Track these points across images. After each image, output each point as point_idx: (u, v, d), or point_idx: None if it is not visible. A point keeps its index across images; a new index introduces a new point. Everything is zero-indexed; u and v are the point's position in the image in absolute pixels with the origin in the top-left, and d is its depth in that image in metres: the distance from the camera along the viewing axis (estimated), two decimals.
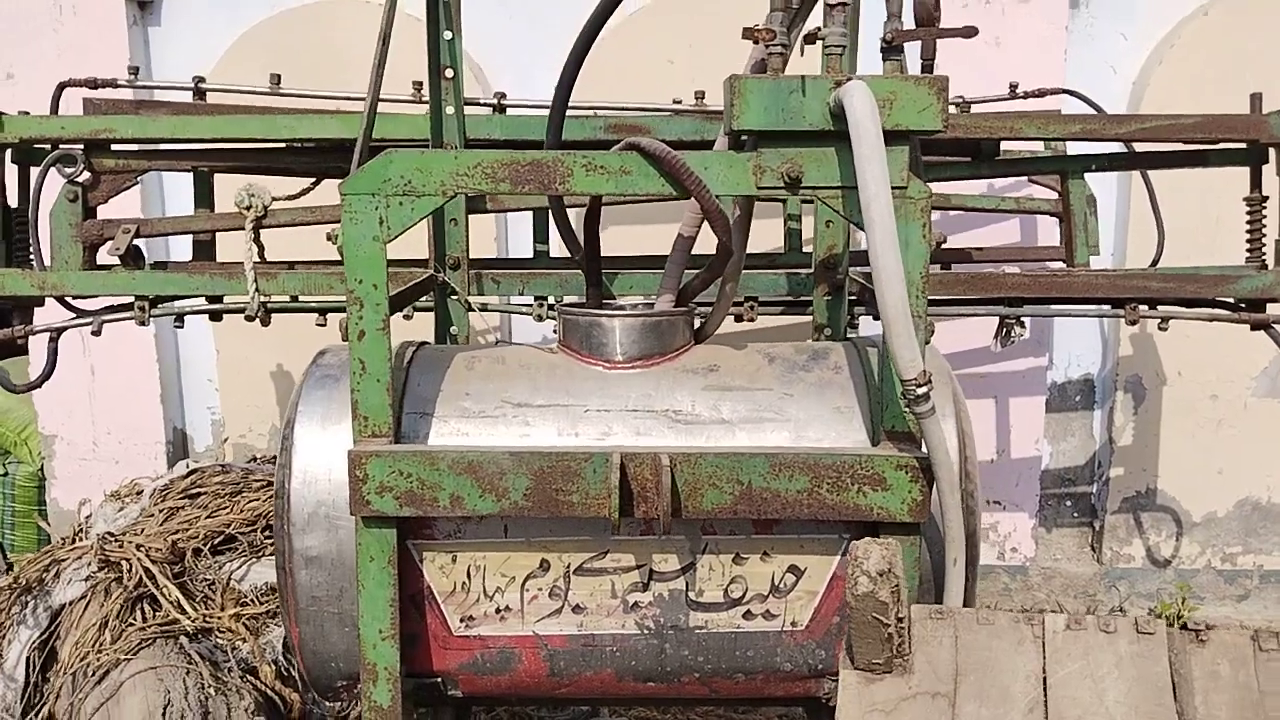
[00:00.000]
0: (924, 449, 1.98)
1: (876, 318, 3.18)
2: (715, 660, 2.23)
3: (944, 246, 3.73)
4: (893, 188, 1.87)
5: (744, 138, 1.99)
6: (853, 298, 2.82)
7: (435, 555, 2.16)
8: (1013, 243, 4.05)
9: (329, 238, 2.96)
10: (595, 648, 2.21)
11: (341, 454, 2.16)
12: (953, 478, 1.90)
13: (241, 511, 3.65)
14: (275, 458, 4.32)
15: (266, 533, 3.64)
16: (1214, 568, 4.31)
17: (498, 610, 2.19)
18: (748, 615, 2.20)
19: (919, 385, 1.78)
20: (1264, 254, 2.96)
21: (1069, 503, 4.44)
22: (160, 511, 3.66)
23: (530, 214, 3.28)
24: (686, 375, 2.27)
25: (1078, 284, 2.84)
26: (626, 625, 2.20)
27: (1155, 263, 3.42)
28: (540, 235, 3.24)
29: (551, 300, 2.93)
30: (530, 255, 3.27)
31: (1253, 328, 2.92)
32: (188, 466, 4.04)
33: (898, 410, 2.02)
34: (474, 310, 2.80)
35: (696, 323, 2.44)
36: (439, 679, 2.26)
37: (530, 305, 2.96)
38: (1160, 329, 2.99)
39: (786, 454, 1.99)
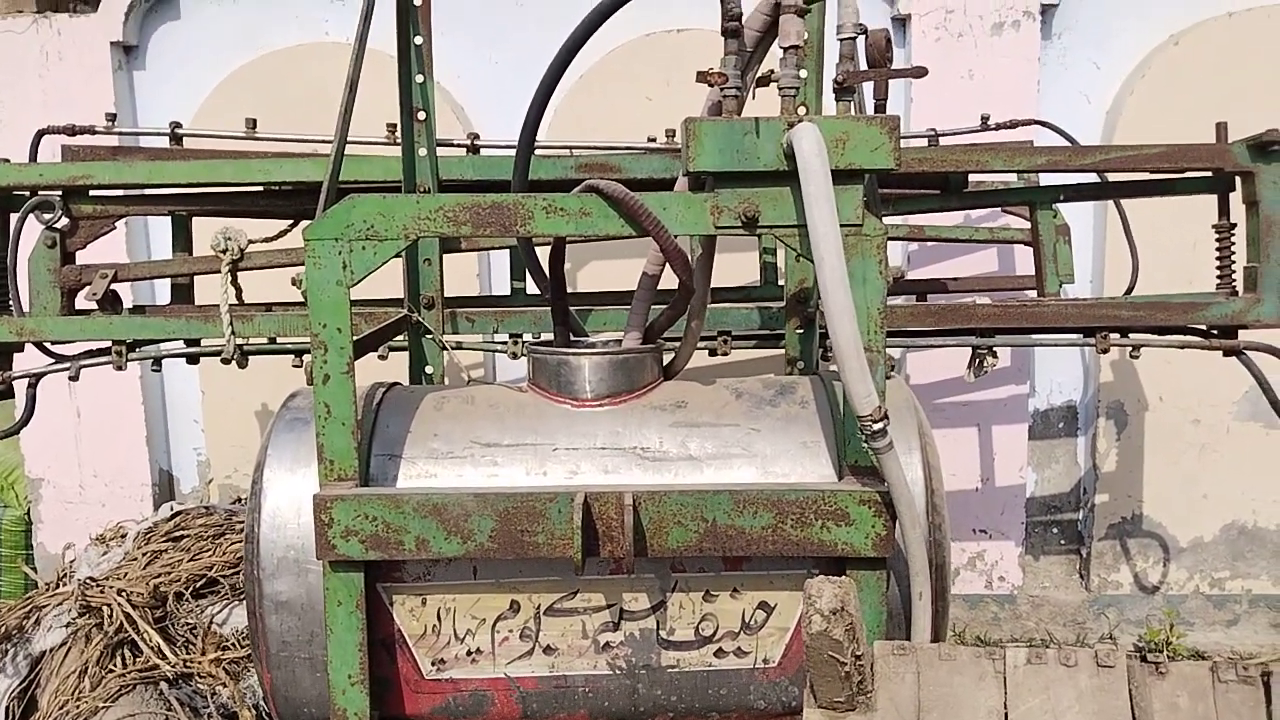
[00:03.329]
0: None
1: None
2: (688, 699, 2.23)
3: (917, 279, 3.77)
4: (848, 225, 1.89)
5: (703, 178, 2.01)
6: (823, 331, 2.83)
7: (405, 598, 2.16)
8: (990, 272, 4.07)
9: (293, 282, 2.99)
10: (568, 689, 2.21)
11: (310, 497, 2.17)
12: (913, 513, 1.91)
13: (224, 554, 3.65)
14: None
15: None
16: (1202, 593, 4.29)
17: (469, 653, 2.19)
18: (719, 653, 2.20)
19: (874, 421, 1.80)
20: (1234, 280, 2.98)
21: (1055, 530, 4.43)
22: (143, 555, 3.66)
23: (508, 252, 3.31)
24: (654, 412, 2.28)
25: (1048, 314, 2.86)
26: (598, 665, 2.20)
27: (1130, 290, 3.44)
28: (517, 273, 3.26)
29: (528, 337, 2.95)
30: (509, 293, 3.29)
31: (1225, 354, 2.93)
32: (171, 509, 4.05)
33: (859, 445, 2.03)
34: (448, 349, 2.82)
35: (667, 359, 2.46)
36: None
37: (506, 343, 2.97)
38: (1132, 357, 3.01)
39: (750, 490, 2.00)
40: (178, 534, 3.78)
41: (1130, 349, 2.96)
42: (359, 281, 2.01)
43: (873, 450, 1.85)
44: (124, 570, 3.56)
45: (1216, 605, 4.30)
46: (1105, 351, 2.94)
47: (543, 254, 2.48)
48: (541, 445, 2.23)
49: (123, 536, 4.04)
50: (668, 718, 2.26)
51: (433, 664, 2.19)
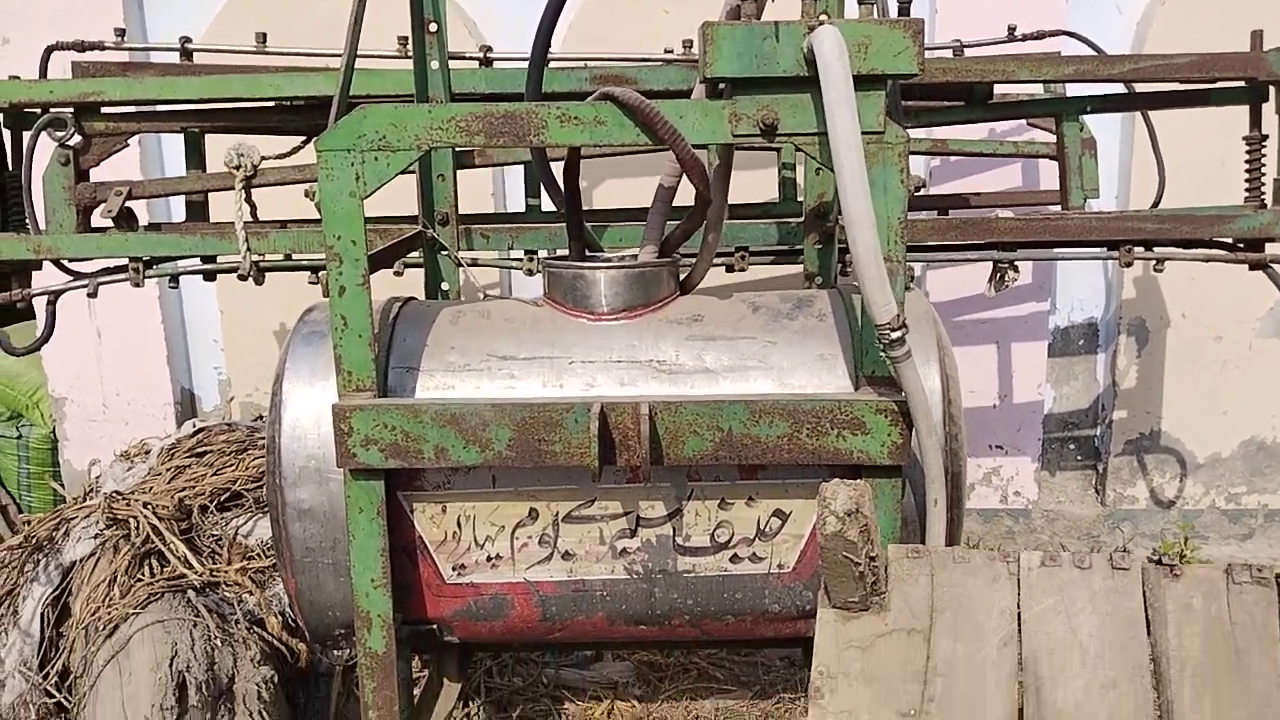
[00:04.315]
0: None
1: None
2: (704, 603, 2.27)
3: (939, 193, 3.72)
4: (870, 132, 1.86)
5: (721, 86, 1.98)
6: (843, 246, 2.81)
7: (425, 506, 2.20)
8: (1013, 187, 4.01)
9: (307, 194, 2.97)
10: (586, 593, 2.25)
11: (329, 409, 2.19)
12: (930, 421, 1.91)
13: (247, 468, 3.71)
14: None
15: None
16: (1218, 508, 4.31)
17: (489, 558, 2.23)
18: (734, 559, 2.23)
19: (892, 330, 1.79)
20: (1263, 193, 2.92)
21: (1072, 446, 4.44)
22: (167, 470, 3.72)
23: (522, 168, 3.28)
24: (670, 326, 2.28)
25: (1071, 227, 2.82)
26: (615, 570, 2.24)
27: (1156, 205, 3.38)
28: (532, 189, 3.23)
29: (543, 254, 2.94)
30: (524, 210, 3.26)
31: (1250, 268, 2.89)
32: (194, 426, 4.10)
33: (877, 356, 2.03)
34: (463, 266, 2.81)
35: (682, 275, 2.44)
36: (434, 625, 2.31)
37: (521, 260, 2.96)
38: (1156, 271, 2.97)
39: (766, 400, 2.00)
40: (201, 450, 3.83)
41: (1154, 263, 2.92)
42: (372, 193, 2.00)
43: (890, 359, 1.85)
44: (149, 485, 3.63)
45: (1232, 520, 4.31)
46: (1129, 265, 2.90)
47: (557, 168, 2.46)
48: (558, 358, 2.24)
49: (147, 453, 4.11)
50: (684, 620, 2.31)
51: (453, 569, 2.24)
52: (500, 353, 2.25)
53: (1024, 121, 3.63)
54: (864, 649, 1.71)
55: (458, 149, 2.80)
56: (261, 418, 4.38)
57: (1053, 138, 3.35)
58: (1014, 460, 4.32)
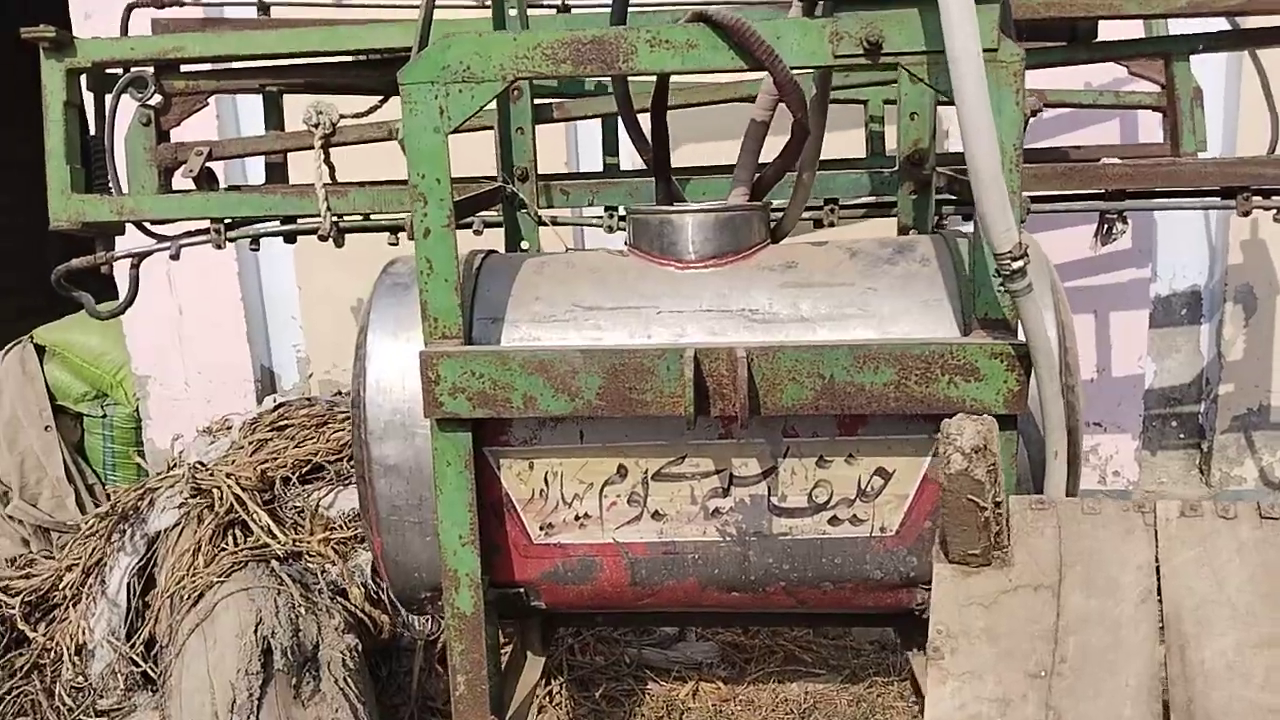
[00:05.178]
0: (1020, 335, 1.85)
1: (967, 218, 3.03)
2: (801, 568, 2.15)
3: (1037, 147, 3.54)
4: (983, 50, 1.73)
5: (819, 5, 1.86)
6: (940, 197, 2.67)
7: (512, 462, 2.12)
8: (1112, 143, 3.80)
9: (390, 132, 2.89)
10: (677, 555, 2.16)
11: (415, 362, 2.13)
12: (1052, 362, 1.77)
13: (328, 442, 3.69)
14: None
15: (352, 462, 3.68)
16: None
17: (577, 518, 2.15)
18: (833, 520, 2.11)
19: (1014, 259, 1.65)
20: None
21: (1174, 423, 4.21)
22: (249, 444, 3.73)
23: (599, 124, 3.19)
24: (763, 273, 2.17)
25: (1185, 174, 2.64)
26: (708, 532, 2.14)
27: (1271, 153, 3.17)
28: (610, 148, 3.14)
29: (622, 210, 2.85)
30: (600, 169, 3.18)
31: None
32: (275, 401, 4.11)
33: (991, 296, 1.89)
34: (544, 224, 2.73)
35: (773, 223, 2.33)
36: (521, 589, 2.23)
37: (601, 217, 2.87)
38: (1276, 220, 2.76)
39: (871, 345, 1.88)
40: (281, 424, 3.83)
41: (1275, 212, 2.72)
42: (457, 128, 1.92)
43: (1010, 293, 1.71)
44: (231, 458, 3.63)
45: None
46: (1247, 214, 2.71)
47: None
48: (645, 308, 2.14)
49: (228, 428, 4.13)
50: (780, 587, 2.20)
51: (540, 529, 2.16)
52: (586, 303, 2.16)
53: (1123, 73, 3.44)
54: (987, 606, 1.59)
55: (542, 79, 2.67)
56: (341, 393, 4.37)
57: (1154, 88, 3.17)
58: (1113, 438, 4.11)
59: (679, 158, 3.78)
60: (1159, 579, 1.55)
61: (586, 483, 2.13)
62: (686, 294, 2.15)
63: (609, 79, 3.11)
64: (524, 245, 2.77)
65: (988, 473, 1.43)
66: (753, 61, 1.79)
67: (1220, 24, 3.13)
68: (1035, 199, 2.74)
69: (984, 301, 1.91)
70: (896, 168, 2.69)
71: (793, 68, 1.81)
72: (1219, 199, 2.73)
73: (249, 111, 4.20)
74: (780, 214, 2.30)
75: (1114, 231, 2.79)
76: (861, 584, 2.18)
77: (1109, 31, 3.03)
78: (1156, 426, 4.21)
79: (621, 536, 2.15)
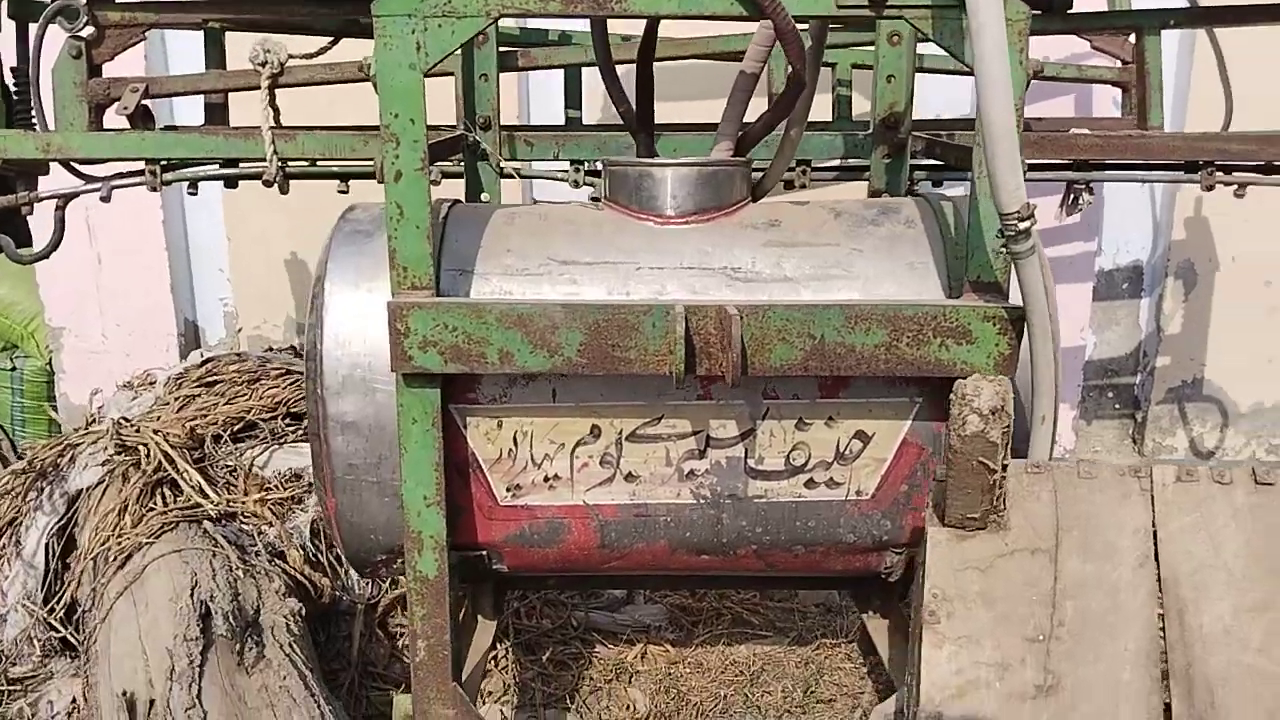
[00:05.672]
0: (1010, 299, 1.83)
1: (938, 184, 3.01)
2: (774, 531, 2.11)
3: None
4: None
5: None
6: (915, 162, 2.63)
7: (480, 421, 2.03)
8: (1067, 115, 3.83)
9: (361, 68, 2.72)
10: (648, 518, 2.09)
11: (377, 313, 2.01)
12: (1047, 325, 1.75)
13: (261, 399, 3.53)
14: (293, 347, 4.19)
15: (288, 420, 3.53)
16: (1258, 459, 4.19)
17: (546, 479, 2.06)
18: (810, 484, 2.07)
19: (1021, 219, 1.62)
20: None
21: (1111, 394, 4.30)
22: (175, 400, 3.54)
23: (553, 76, 3.07)
24: (746, 231, 2.10)
25: (1155, 146, 2.65)
26: (681, 494, 2.08)
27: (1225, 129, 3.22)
28: (571, 99, 3.03)
29: (589, 164, 2.75)
30: (554, 124, 3.06)
31: None
32: (202, 356, 3.91)
33: (984, 259, 1.86)
34: (508, 176, 2.62)
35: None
36: (484, 552, 2.14)
37: (566, 171, 2.77)
38: (1237, 196, 2.80)
39: (863, 305, 1.83)
40: (210, 380, 3.65)
41: (1235, 187, 2.76)
42: (435, 66, 1.80)
43: (1012, 254, 1.67)
44: (157, 414, 3.45)
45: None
46: (1210, 189, 2.73)
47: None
48: (623, 264, 2.06)
49: (151, 383, 3.92)
50: (751, 551, 2.15)
51: (508, 490, 2.07)
52: (560, 256, 2.07)
53: (1080, 48, 3.46)
54: (983, 570, 1.56)
55: (529, 17, 2.56)
56: (272, 349, 4.19)
57: (1115, 63, 3.19)
58: None
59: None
60: (1156, 544, 1.54)
61: (558, 443, 2.04)
62: (667, 250, 2.07)
63: (571, 29, 3.02)
64: (484, 197, 2.66)
65: (1003, 434, 1.39)
66: (753, 8, 1.71)
67: (1180, 1, 3.16)
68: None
69: (976, 264, 1.88)
70: (870, 130, 2.64)
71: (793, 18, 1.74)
72: (1182, 173, 2.75)
73: (179, 49, 3.96)
74: (761, 172, 2.23)
75: (1080, 202, 2.80)
76: (833, 547, 2.15)
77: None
78: (1094, 397, 4.30)
79: (592, 498, 2.08)
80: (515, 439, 2.04)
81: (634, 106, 2.16)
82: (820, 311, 1.82)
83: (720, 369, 1.82)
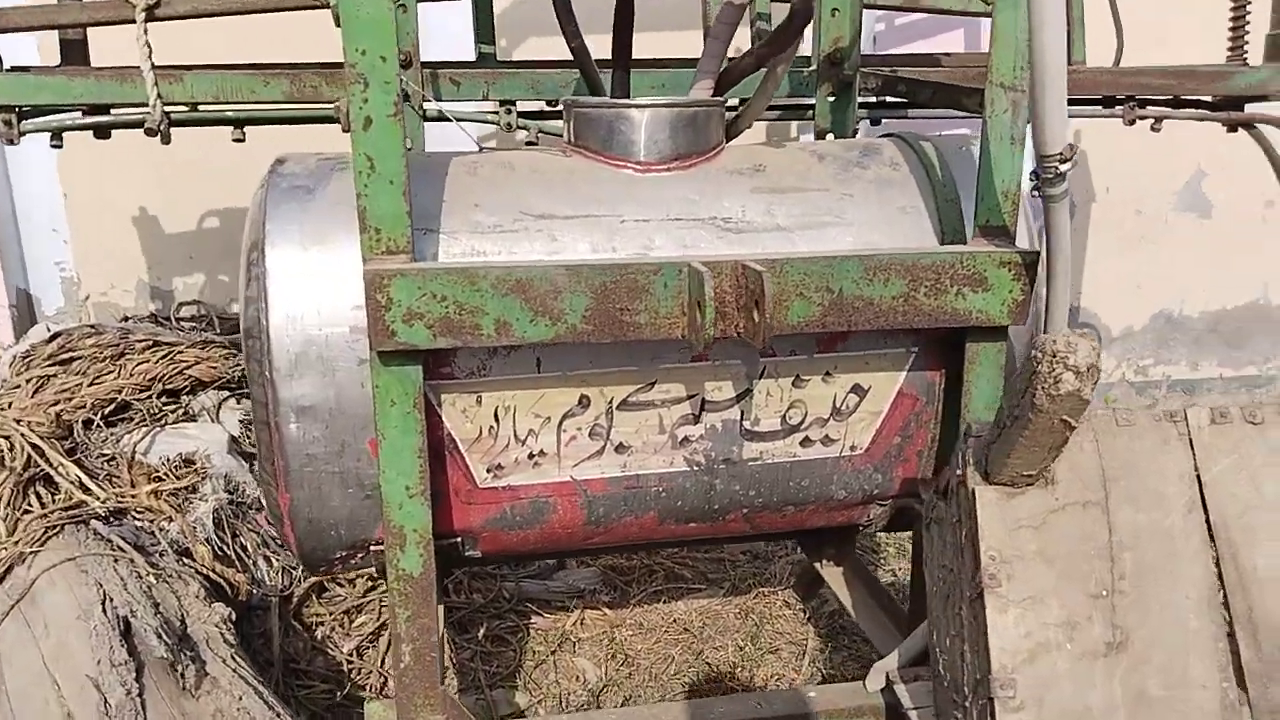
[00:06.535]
0: (1019, 242, 1.78)
1: (875, 122, 2.95)
2: (766, 493, 2.02)
3: (895, 53, 3.51)
4: None
5: None
6: (864, 99, 2.55)
7: (456, 397, 1.82)
8: (959, 51, 3.85)
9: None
10: (639, 489, 1.96)
11: (331, 281, 1.78)
12: (1069, 270, 1.70)
13: (130, 375, 3.15)
14: (153, 315, 3.76)
15: (164, 398, 3.16)
16: (1128, 380, 4.45)
17: (530, 456, 1.89)
18: (805, 442, 1.99)
19: (1063, 160, 1.55)
20: (1245, 52, 2.88)
21: None
22: (28, 382, 3.10)
23: (451, 8, 2.79)
24: (731, 177, 1.97)
25: (1084, 81, 2.67)
26: (675, 462, 1.95)
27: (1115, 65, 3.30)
28: (483, 34, 2.78)
29: (526, 107, 2.52)
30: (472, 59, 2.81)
31: (1230, 129, 2.85)
32: (49, 330, 3.45)
33: (994, 202, 1.80)
34: (437, 119, 2.37)
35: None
36: (458, 539, 1.95)
37: (497, 113, 2.53)
38: (1154, 130, 2.88)
39: (882, 256, 1.73)
40: (65, 357, 3.22)
41: (1153, 121, 2.83)
42: None
43: (1047, 196, 1.61)
44: (8, 400, 3.01)
45: (1139, 391, 4.47)
46: (1132, 124, 2.79)
47: None
48: (605, 217, 1.89)
49: None
50: (740, 514, 2.06)
51: (488, 471, 1.89)
52: (535, 210, 1.87)
53: None
54: (1036, 528, 1.51)
55: None
56: (129, 319, 3.75)
57: None
58: None
59: (548, 50, 3.44)
60: (1201, 489, 1.54)
61: (543, 416, 1.87)
62: (650, 200, 1.91)
63: None
64: (407, 143, 2.39)
65: (1091, 391, 1.34)
66: None
67: None
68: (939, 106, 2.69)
69: (986, 208, 1.81)
70: (814, 68, 2.54)
71: None
72: (1102, 107, 2.80)
73: None
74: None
75: None
76: (823, 505, 2.08)
77: None
78: None
79: (580, 473, 1.92)
80: (496, 415, 1.85)
81: (614, 39, 1.96)
82: (839, 263, 1.71)
83: (734, 329, 1.69)
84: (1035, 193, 1.61)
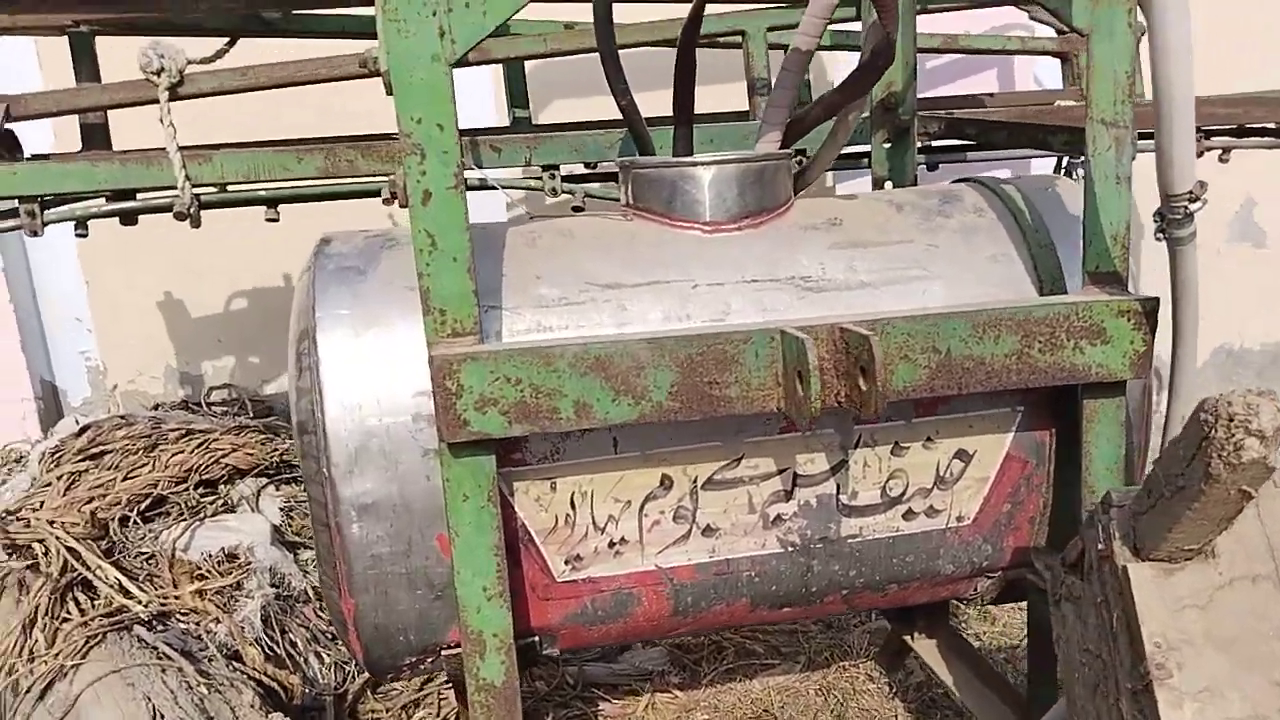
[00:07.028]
0: (1136, 289, 1.64)
1: (932, 167, 2.82)
2: (868, 572, 1.86)
3: (939, 95, 3.41)
4: None
5: None
6: (923, 144, 2.43)
7: (529, 485, 1.68)
8: (993, 91, 3.75)
9: (363, 64, 2.20)
10: (730, 575, 1.80)
11: (390, 366, 1.64)
12: (1198, 319, 1.56)
13: (165, 468, 3.02)
14: (184, 402, 3.64)
15: (201, 489, 3.03)
16: None
17: (611, 544, 1.74)
18: (908, 515, 1.83)
19: (1193, 199, 1.41)
20: None
21: None
22: (59, 480, 2.97)
23: (501, 71, 2.70)
24: (805, 233, 1.83)
25: (1145, 115, 2.53)
26: (767, 544, 1.79)
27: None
28: (517, 98, 2.68)
29: (567, 170, 2.41)
30: (507, 124, 2.71)
31: None
32: (78, 423, 3.33)
33: (1102, 247, 1.66)
34: (480, 187, 2.25)
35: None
36: (535, 638, 1.79)
37: (540, 179, 2.42)
38: (1221, 160, 2.74)
39: (991, 311, 1.59)
40: (96, 451, 3.09)
41: (1220, 152, 2.70)
42: (464, 56, 1.45)
43: (1173, 239, 1.47)
44: (39, 499, 2.88)
45: None
46: (1200, 155, 2.66)
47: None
48: (676, 282, 1.75)
49: (18, 460, 3.31)
50: (840, 596, 1.89)
51: (566, 563, 1.73)
52: (601, 279, 1.74)
53: (999, 23, 3.39)
54: (1202, 607, 1.34)
55: None
56: (159, 407, 3.63)
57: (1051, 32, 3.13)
58: None
59: (574, 111, 3.35)
60: None
61: (623, 500, 1.72)
62: (722, 262, 1.78)
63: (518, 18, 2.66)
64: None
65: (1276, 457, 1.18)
66: None
67: None
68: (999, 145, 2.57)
69: (1095, 253, 1.67)
70: (868, 114, 2.42)
71: None
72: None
73: (14, 59, 3.33)
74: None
75: (1074, 175, 2.68)
76: (928, 580, 1.92)
77: None
78: None
79: (665, 561, 1.77)
80: (573, 501, 1.70)
81: (675, 93, 1.84)
82: (945, 321, 1.57)
83: (836, 399, 1.54)
84: (1160, 234, 1.47)
